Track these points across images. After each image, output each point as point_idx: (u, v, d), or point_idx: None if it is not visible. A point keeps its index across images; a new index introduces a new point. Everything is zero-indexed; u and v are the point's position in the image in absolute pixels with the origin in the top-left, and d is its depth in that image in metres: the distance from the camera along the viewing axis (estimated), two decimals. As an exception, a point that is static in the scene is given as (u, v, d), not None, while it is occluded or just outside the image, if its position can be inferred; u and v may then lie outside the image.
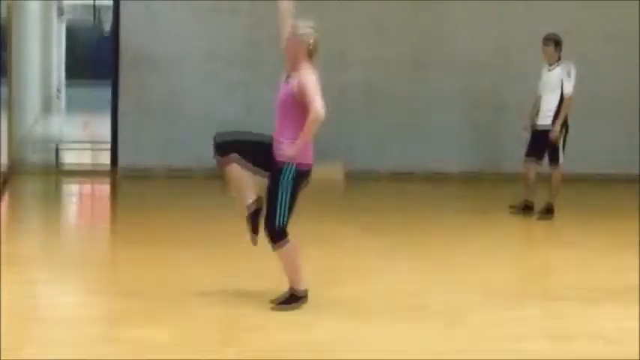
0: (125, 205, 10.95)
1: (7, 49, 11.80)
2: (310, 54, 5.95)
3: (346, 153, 12.47)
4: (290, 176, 5.84)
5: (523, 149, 10.23)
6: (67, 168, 12.67)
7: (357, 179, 12.39)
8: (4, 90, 11.53)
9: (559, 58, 10.02)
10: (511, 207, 10.24)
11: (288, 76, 5.99)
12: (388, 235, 8.70)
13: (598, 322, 6.01)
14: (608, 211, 10.59)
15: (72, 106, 27.02)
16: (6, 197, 10.47)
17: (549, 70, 10.02)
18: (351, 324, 5.77)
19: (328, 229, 8.86)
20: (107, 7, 23.19)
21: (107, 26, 30.48)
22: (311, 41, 5.92)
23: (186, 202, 10.51)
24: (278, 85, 6.07)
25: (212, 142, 6.02)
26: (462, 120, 12.96)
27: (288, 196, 5.85)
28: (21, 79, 14.33)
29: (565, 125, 9.95)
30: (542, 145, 10.01)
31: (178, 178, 12.01)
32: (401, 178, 12.64)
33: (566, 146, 10.02)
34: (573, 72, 9.93)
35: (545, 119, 9.96)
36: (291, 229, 5.99)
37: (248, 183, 5.98)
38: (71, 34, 37.36)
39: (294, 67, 5.95)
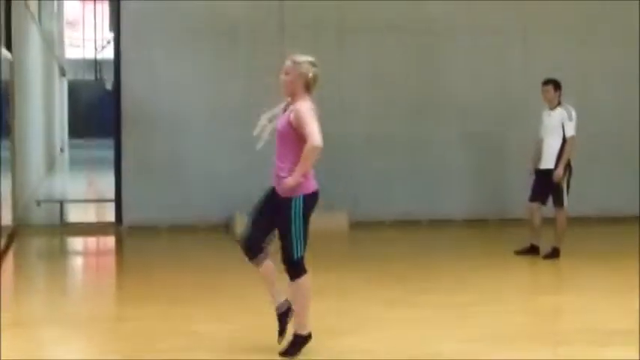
0: (130, 261, 10.94)
1: (9, 109, 11.88)
2: (308, 87, 5.99)
3: (350, 202, 12.48)
4: (300, 209, 5.89)
5: (527, 193, 10.24)
6: (71, 225, 12.68)
7: (362, 228, 12.38)
8: (8, 150, 11.59)
9: (559, 102, 10.07)
10: (516, 252, 10.23)
11: (286, 108, 6.01)
12: (394, 283, 8.66)
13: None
14: (613, 253, 10.56)
15: (75, 164, 27.15)
16: (11, 255, 10.46)
17: (550, 114, 10.07)
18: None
19: (333, 279, 8.83)
20: (109, 62, 23.38)
21: (109, 83, 30.70)
22: (310, 75, 5.95)
23: (191, 257, 10.50)
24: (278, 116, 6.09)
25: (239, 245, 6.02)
26: (465, 165, 12.99)
27: (302, 227, 5.89)
28: (24, 139, 14.41)
29: (568, 167, 9.97)
30: (546, 188, 10.01)
31: (183, 233, 12.02)
32: (405, 225, 12.63)
33: (570, 188, 10.03)
34: (574, 114, 9.98)
35: (548, 163, 9.98)
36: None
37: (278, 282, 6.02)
38: (73, 92, 37.68)
39: (292, 99, 5.98)
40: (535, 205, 10.12)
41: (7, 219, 10.99)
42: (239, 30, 12.33)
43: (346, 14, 12.64)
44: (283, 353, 6.00)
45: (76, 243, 12.16)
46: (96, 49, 39.59)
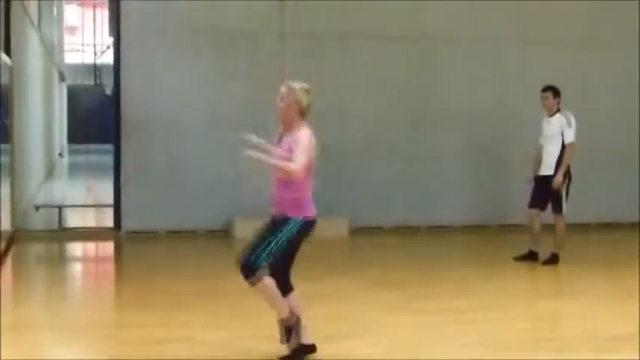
0: (129, 267, 10.92)
1: (8, 114, 11.87)
2: (303, 114, 5.99)
3: (350, 209, 12.48)
4: (293, 230, 5.88)
5: (526, 200, 10.24)
6: (70, 231, 12.66)
7: (362, 234, 12.38)
8: (7, 155, 11.58)
9: (558, 109, 10.07)
10: (515, 258, 10.23)
11: (282, 136, 6.01)
12: (394, 289, 8.65)
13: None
14: (612, 259, 10.57)
15: (74, 170, 27.15)
16: (10, 260, 10.45)
17: (549, 122, 10.07)
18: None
19: (334, 285, 8.83)
20: (108, 68, 23.40)
21: (109, 88, 30.72)
22: (304, 103, 5.96)
23: (190, 262, 10.49)
24: (273, 142, 6.09)
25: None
26: (464, 172, 12.99)
27: (283, 245, 5.86)
28: (23, 144, 14.40)
29: (568, 174, 9.97)
30: (545, 194, 10.01)
31: (182, 239, 12.01)
32: (405, 231, 12.64)
33: (569, 195, 10.03)
34: (573, 120, 9.98)
35: (547, 169, 9.99)
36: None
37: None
38: (73, 97, 37.69)
39: (288, 127, 5.99)
40: (534, 211, 10.12)
41: (6, 224, 10.98)
42: (239, 37, 12.33)
43: (346, 23, 12.64)
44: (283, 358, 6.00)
45: (75, 248, 12.15)
46: (95, 54, 39.66)
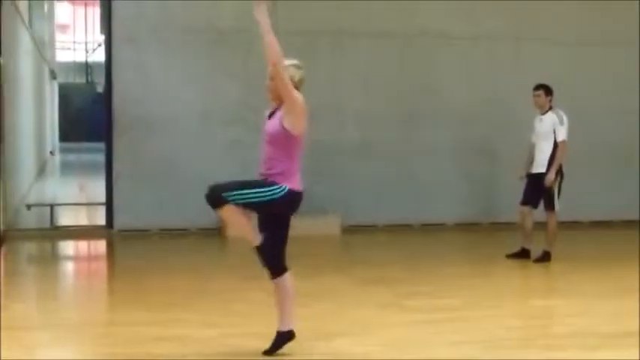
0: (121, 265, 10.91)
1: (0, 113, 11.84)
2: (297, 89, 5.97)
3: (342, 206, 12.48)
4: (280, 193, 5.85)
5: (518, 198, 10.26)
6: (62, 229, 12.64)
7: (354, 232, 12.39)
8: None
9: (550, 107, 10.09)
10: (507, 255, 10.25)
11: (273, 112, 6.00)
12: (386, 287, 8.66)
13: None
14: (603, 257, 10.61)
15: (66, 168, 27.10)
16: (1, 259, 10.43)
17: (541, 119, 10.09)
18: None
19: (326, 283, 8.84)
20: (100, 65, 23.33)
21: (100, 86, 30.65)
22: (297, 78, 5.96)
23: (182, 261, 10.48)
24: (263, 124, 6.07)
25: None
26: (457, 170, 13.01)
27: (260, 201, 5.83)
28: (14, 142, 14.37)
29: (560, 171, 9.99)
30: (537, 192, 10.04)
31: (174, 237, 12.01)
32: (397, 229, 12.65)
33: (561, 193, 10.05)
34: (565, 118, 10.00)
35: (540, 167, 10.01)
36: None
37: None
38: (64, 95, 37.60)
39: (280, 103, 5.97)
40: (526, 208, 10.14)
41: (-2, 222, 10.96)
42: (231, 34, 12.32)
43: (340, 20, 12.65)
44: (266, 352, 6.06)
45: (67, 247, 12.13)
46: (87, 52, 39.55)
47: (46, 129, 27.48)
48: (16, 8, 14.87)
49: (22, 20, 16.65)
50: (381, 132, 12.82)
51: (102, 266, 11.19)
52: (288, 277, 6.03)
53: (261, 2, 5.87)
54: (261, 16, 5.85)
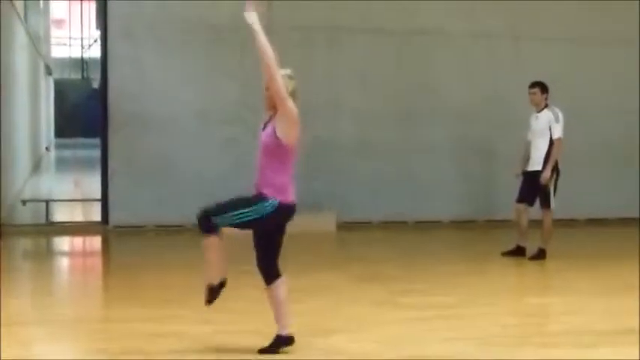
0: (117, 261, 10.91)
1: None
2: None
3: (339, 203, 12.48)
4: (268, 208, 5.88)
5: (514, 196, 10.26)
6: (57, 225, 12.63)
7: (350, 229, 12.39)
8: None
9: (546, 105, 10.10)
10: (503, 253, 10.26)
11: (268, 122, 6.01)
12: (381, 284, 8.67)
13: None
14: (600, 255, 10.62)
15: (61, 164, 27.07)
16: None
17: (537, 117, 10.10)
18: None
19: (321, 279, 8.84)
20: (96, 61, 23.30)
21: (96, 82, 30.61)
22: (289, 87, 5.97)
23: (178, 257, 10.47)
24: (259, 133, 6.08)
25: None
26: (453, 168, 13.02)
27: (249, 221, 5.88)
28: (9, 138, 14.35)
29: (556, 169, 10.00)
30: (533, 190, 10.04)
31: (169, 233, 12.00)
32: (393, 226, 12.66)
33: (557, 190, 10.06)
34: (561, 116, 10.01)
35: (535, 165, 10.02)
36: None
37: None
38: (60, 91, 37.56)
39: (274, 113, 5.98)
40: (522, 206, 10.15)
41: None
42: (227, 31, 12.29)
43: (337, 17, 12.64)
44: (261, 350, 6.05)
45: (62, 243, 12.12)
46: (82, 47, 39.49)
47: (42, 125, 27.45)
48: (12, 3, 14.84)
49: (18, 15, 16.62)
50: (378, 129, 12.82)
51: (97, 262, 11.19)
52: (281, 283, 6.05)
53: (252, 3, 5.85)
54: (253, 17, 5.82)
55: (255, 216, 5.89)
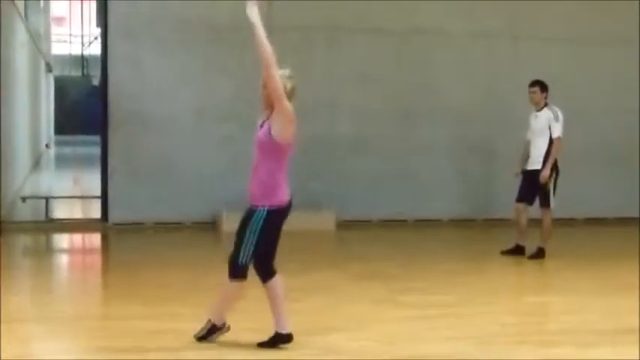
0: (116, 258, 10.91)
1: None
2: (289, 99, 5.99)
3: (338, 202, 12.48)
4: (260, 220, 5.97)
5: (514, 195, 10.27)
6: (57, 222, 12.63)
7: (349, 227, 12.40)
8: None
9: (546, 104, 10.10)
10: (502, 252, 10.26)
11: (264, 122, 6.02)
12: (381, 283, 8.67)
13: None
14: (599, 254, 10.63)
15: (61, 161, 27.06)
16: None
17: (536, 116, 10.10)
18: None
19: (321, 278, 8.84)
20: (96, 59, 23.27)
21: (96, 79, 30.61)
22: (288, 86, 5.97)
23: (177, 255, 10.47)
24: (255, 133, 6.10)
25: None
26: (453, 167, 13.02)
27: (256, 238, 5.97)
28: (9, 135, 14.35)
29: (555, 168, 10.00)
30: (533, 189, 10.05)
31: (168, 231, 12.00)
32: (393, 225, 12.66)
33: (557, 189, 10.06)
34: (560, 115, 10.01)
35: (535, 164, 10.02)
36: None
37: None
38: (60, 88, 37.53)
39: (271, 111, 5.99)
40: (521, 205, 10.15)
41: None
42: (227, 30, 12.29)
43: (336, 16, 12.64)
44: (261, 344, 6.12)
45: (62, 240, 12.13)
46: (83, 45, 39.45)
47: (42, 122, 27.44)
48: (12, 0, 14.83)
49: (18, 12, 16.61)
50: (377, 128, 12.82)
51: (96, 259, 11.19)
52: (277, 280, 6.08)
53: (254, 2, 5.85)
54: (254, 16, 5.82)
55: (257, 230, 5.98)
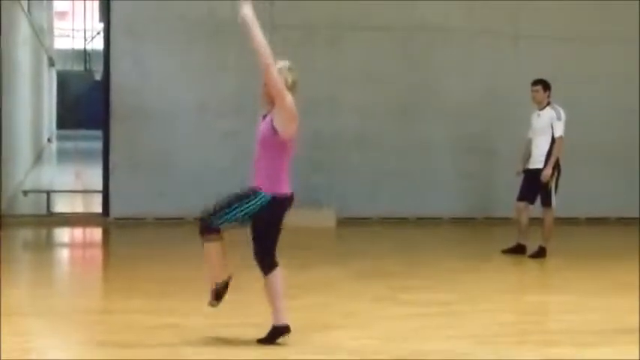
0: (117, 253, 10.91)
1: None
2: (290, 92, 5.97)
3: (338, 199, 12.48)
4: (259, 203, 5.91)
5: (514, 194, 10.26)
6: (58, 216, 12.64)
7: (349, 225, 12.39)
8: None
9: (548, 103, 10.09)
10: (503, 251, 10.25)
11: (266, 115, 6.01)
12: (381, 281, 8.67)
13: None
14: (600, 254, 10.62)
15: (63, 155, 27.06)
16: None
17: (539, 115, 10.09)
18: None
19: (321, 275, 8.84)
20: (98, 53, 23.28)
21: (98, 74, 30.59)
22: (289, 79, 5.95)
23: (178, 250, 10.47)
24: (258, 122, 6.08)
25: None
26: (453, 165, 13.01)
27: (241, 214, 5.92)
28: (11, 129, 14.35)
29: (557, 167, 9.99)
30: (534, 187, 10.04)
31: (169, 226, 12.01)
32: (393, 223, 12.65)
33: (558, 188, 10.05)
34: (563, 114, 10.00)
35: (537, 163, 10.01)
36: (283, 275, 6.03)
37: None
38: (62, 82, 37.52)
39: (272, 107, 5.97)
40: (523, 204, 10.14)
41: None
42: (229, 27, 12.21)
43: (338, 14, 12.64)
44: (260, 340, 6.08)
45: (63, 234, 12.13)
46: (85, 39, 39.46)
47: (44, 116, 27.44)
48: (16, -6, 14.83)
49: (21, 7, 16.61)
50: (378, 126, 12.82)
51: (97, 254, 11.20)
52: (278, 273, 6.06)
53: (249, 2, 5.83)
54: (249, 16, 5.80)
55: (250, 210, 5.91)
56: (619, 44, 13.25)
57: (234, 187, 6.16)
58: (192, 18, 12.34)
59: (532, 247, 10.14)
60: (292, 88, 5.99)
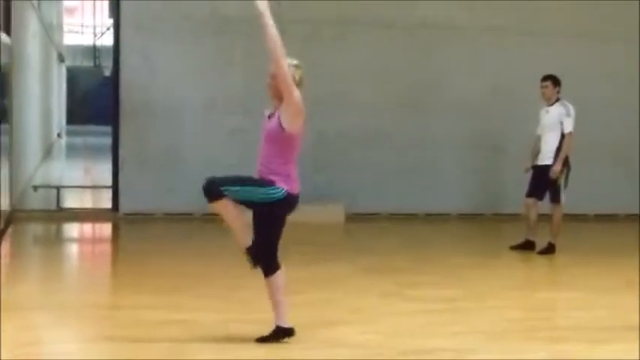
0: (126, 248, 10.94)
1: (7, 94, 11.86)
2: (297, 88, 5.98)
3: (347, 195, 12.49)
4: (277, 195, 5.87)
5: (523, 190, 10.25)
6: (67, 211, 12.68)
7: (358, 220, 12.40)
8: (6, 135, 11.58)
9: (558, 99, 10.07)
10: (511, 247, 10.25)
11: (273, 113, 6.02)
12: (389, 276, 8.67)
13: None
14: (608, 250, 10.60)
15: (72, 151, 27.13)
16: (7, 241, 10.46)
17: (548, 111, 10.07)
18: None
19: (329, 270, 8.85)
20: (108, 49, 23.32)
21: (108, 69, 30.66)
22: (297, 77, 5.96)
23: (186, 245, 10.51)
24: (263, 123, 6.08)
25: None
26: (462, 161, 13.00)
27: (255, 199, 5.86)
28: (22, 124, 14.39)
29: (566, 164, 9.97)
30: (543, 184, 10.02)
31: (178, 221, 12.03)
32: (401, 218, 12.66)
33: (567, 185, 10.03)
34: (572, 110, 9.97)
35: (546, 159, 9.99)
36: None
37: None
38: (72, 78, 37.62)
39: (280, 102, 5.98)
40: (531, 200, 10.13)
41: (4, 204, 10.99)
42: (237, 22, 12.29)
43: (345, 10, 12.63)
44: (259, 339, 6.07)
45: (72, 229, 12.17)
46: (95, 35, 39.55)
47: (54, 111, 27.50)
48: (26, -10, 14.86)
49: (31, 3, 16.65)
50: (385, 121, 12.81)
51: (106, 249, 11.23)
52: (281, 274, 6.04)
53: None
54: (263, 5, 5.82)
55: (265, 198, 5.88)
56: (628, 41, 13.18)
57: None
58: (200, 15, 12.36)
59: (540, 243, 10.13)
60: (299, 84, 6.00)
